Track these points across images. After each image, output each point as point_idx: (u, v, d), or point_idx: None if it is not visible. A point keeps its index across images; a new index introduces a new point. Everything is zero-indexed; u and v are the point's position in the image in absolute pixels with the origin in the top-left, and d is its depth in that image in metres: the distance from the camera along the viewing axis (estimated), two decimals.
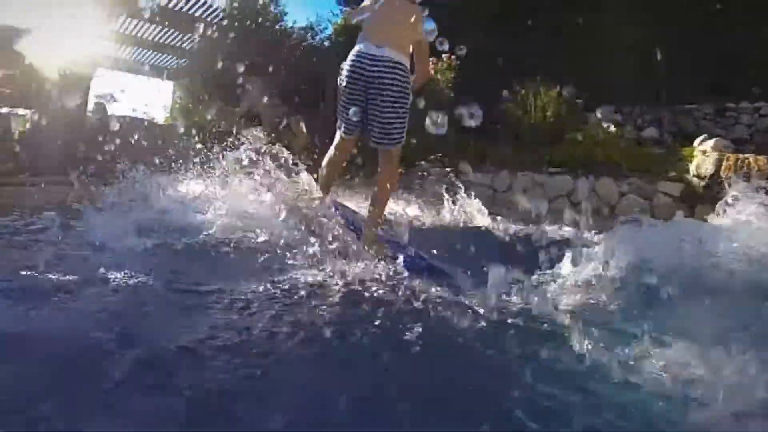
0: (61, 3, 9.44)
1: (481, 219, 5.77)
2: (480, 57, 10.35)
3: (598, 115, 8.97)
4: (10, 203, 5.67)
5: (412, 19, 3.06)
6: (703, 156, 7.16)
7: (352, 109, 3.01)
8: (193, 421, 1.27)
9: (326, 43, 14.51)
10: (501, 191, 8.08)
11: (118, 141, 6.51)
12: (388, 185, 3.17)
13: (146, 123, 11.95)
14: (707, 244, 3.21)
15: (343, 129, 3.17)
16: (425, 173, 8.79)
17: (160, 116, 20.57)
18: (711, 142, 7.33)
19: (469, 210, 5.83)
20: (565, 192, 7.57)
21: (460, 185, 6.19)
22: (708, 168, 6.89)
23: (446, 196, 5.73)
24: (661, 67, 8.60)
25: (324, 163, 3.47)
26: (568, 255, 3.06)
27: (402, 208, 6.41)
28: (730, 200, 4.33)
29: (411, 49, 3.15)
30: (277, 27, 14.63)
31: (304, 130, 11.28)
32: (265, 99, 13.28)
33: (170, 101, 20.66)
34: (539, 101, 8.86)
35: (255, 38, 12.20)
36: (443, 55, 10.43)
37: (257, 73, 13.85)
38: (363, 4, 3.32)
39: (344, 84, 3.04)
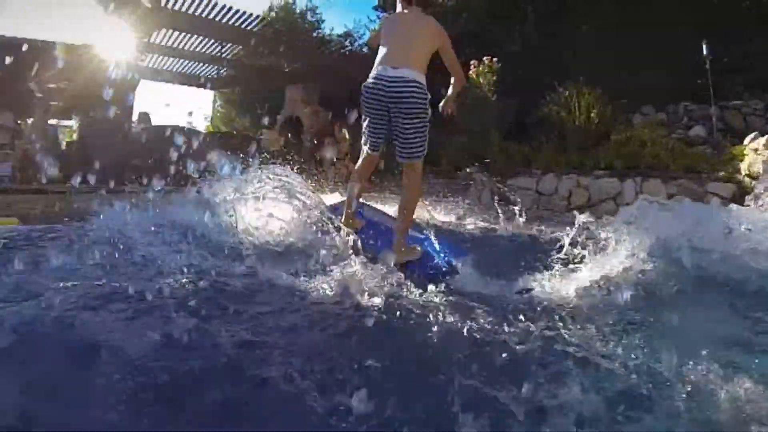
0: (104, 18, 9.82)
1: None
2: (520, 58, 10.38)
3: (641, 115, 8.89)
4: (62, 209, 5.98)
5: (427, 32, 3.23)
6: (755, 154, 6.99)
7: (372, 124, 3.21)
8: None
9: (365, 49, 14.64)
10: (546, 195, 8.03)
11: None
12: (413, 195, 3.30)
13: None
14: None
15: (369, 145, 3.32)
16: (471, 179, 8.83)
17: (202, 125, 21.19)
18: (763, 140, 7.08)
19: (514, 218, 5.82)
20: (612, 194, 7.45)
21: (511, 194, 6.17)
22: (760, 167, 6.74)
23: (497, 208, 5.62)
24: (706, 62, 8.42)
25: (351, 177, 3.61)
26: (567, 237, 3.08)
27: (453, 217, 6.47)
28: (761, 189, 4.24)
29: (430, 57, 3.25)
30: (314, 35, 14.84)
31: (347, 135, 11.42)
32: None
33: (211, 110, 21.23)
34: (583, 102, 8.76)
35: (294, 46, 12.36)
36: (484, 58, 10.46)
37: (298, 80, 14.13)
38: (380, 30, 3.48)
39: (366, 105, 3.19)
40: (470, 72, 10.58)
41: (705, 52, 8.37)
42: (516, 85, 10.07)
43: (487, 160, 8.93)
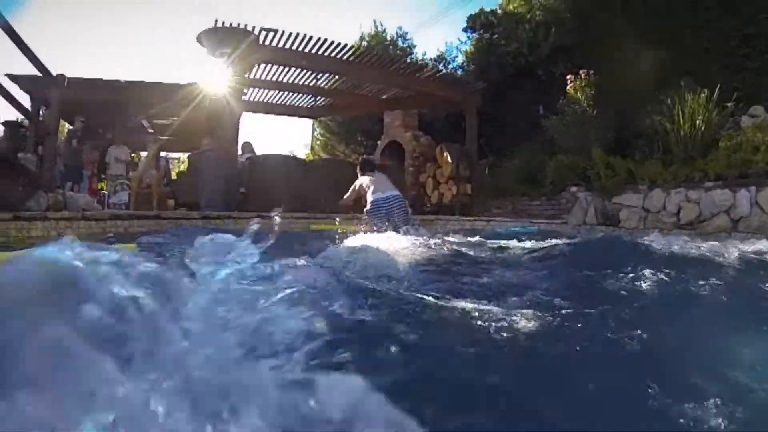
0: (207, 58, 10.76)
1: None
2: (617, 68, 10.28)
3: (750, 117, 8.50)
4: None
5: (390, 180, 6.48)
6: None
7: (383, 220, 5.89)
8: None
9: (459, 71, 14.94)
10: (654, 211, 7.92)
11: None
12: None
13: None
14: None
15: (380, 229, 5.61)
16: (575, 198, 8.86)
17: (301, 153, 22.28)
18: None
19: None
20: (725, 207, 7.18)
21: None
22: None
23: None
24: None
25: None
26: None
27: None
28: None
29: None
30: (408, 60, 15.29)
31: (449, 159, 11.78)
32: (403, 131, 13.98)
33: (310, 138, 22.26)
34: (686, 109, 8.48)
35: (389, 72, 12.83)
36: (580, 71, 10.50)
37: (395, 105, 14.65)
38: (365, 184, 6.31)
39: (378, 210, 6.00)
40: (567, 87, 10.66)
41: None
42: (615, 96, 10.00)
43: (588, 176, 8.96)
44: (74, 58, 55.24)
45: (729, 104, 8.51)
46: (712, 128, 8.37)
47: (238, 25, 9.91)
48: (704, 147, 8.27)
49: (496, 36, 14.16)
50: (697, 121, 8.40)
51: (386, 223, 5.86)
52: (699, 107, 8.45)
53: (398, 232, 5.37)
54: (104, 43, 63.89)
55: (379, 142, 15.46)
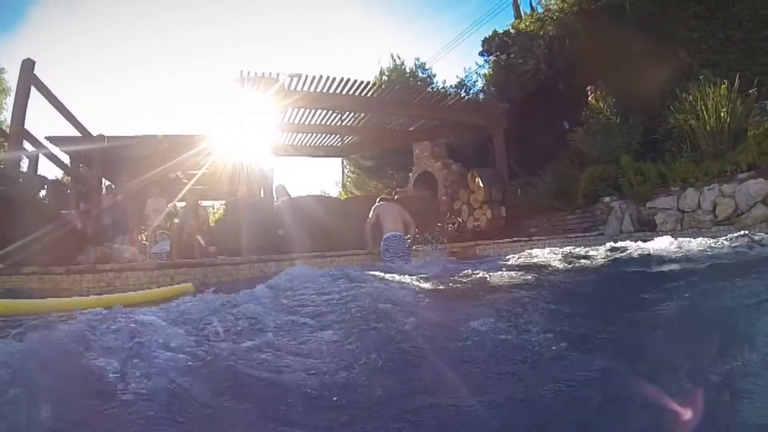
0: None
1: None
2: (637, 69, 10.27)
3: None
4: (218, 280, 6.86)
5: (399, 214, 7.43)
6: None
7: (392, 255, 6.96)
8: None
9: (480, 95, 15.08)
10: (689, 211, 7.86)
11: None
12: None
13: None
14: None
15: (388, 260, 6.78)
16: (609, 206, 8.83)
17: (333, 191, 22.67)
18: None
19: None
20: (761, 197, 7.04)
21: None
22: None
23: None
24: None
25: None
26: None
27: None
28: None
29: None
30: (429, 89, 15.52)
31: (481, 184, 11.88)
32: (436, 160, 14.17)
33: (341, 176, 22.64)
34: (710, 103, 8.41)
35: (412, 104, 12.98)
36: (600, 81, 10.57)
37: (423, 137, 14.86)
38: (378, 209, 7.49)
39: (388, 248, 7.03)
40: (589, 98, 10.73)
41: None
42: (637, 100, 10.01)
43: (619, 184, 8.93)
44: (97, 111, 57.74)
45: (751, 91, 8.42)
46: (738, 118, 8.25)
47: (263, 74, 10.20)
48: (733, 138, 8.18)
49: (512, 56, 14.32)
50: (722, 113, 8.32)
51: (393, 256, 7.06)
52: (722, 99, 8.38)
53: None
54: (130, 98, 66.98)
55: (410, 174, 15.67)
